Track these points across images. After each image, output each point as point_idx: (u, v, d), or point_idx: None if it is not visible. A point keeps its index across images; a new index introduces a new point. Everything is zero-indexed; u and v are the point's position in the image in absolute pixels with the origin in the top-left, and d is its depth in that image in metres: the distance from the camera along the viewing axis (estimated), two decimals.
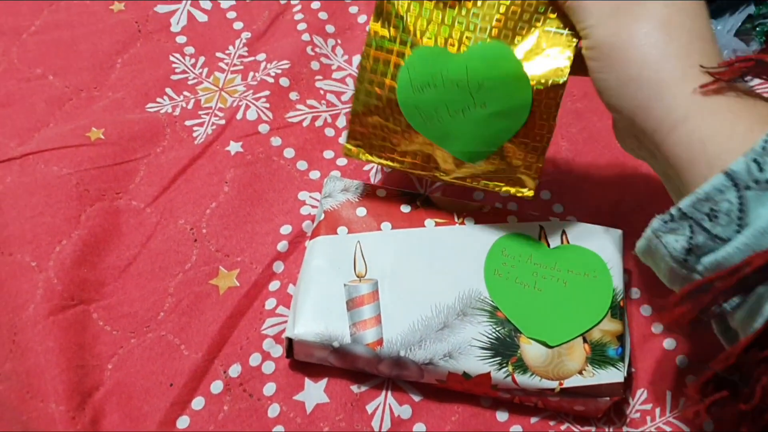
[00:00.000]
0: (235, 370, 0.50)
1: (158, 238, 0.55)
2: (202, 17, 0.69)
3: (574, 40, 0.46)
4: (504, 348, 0.48)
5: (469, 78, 0.46)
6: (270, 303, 0.53)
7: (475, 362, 0.47)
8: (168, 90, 0.63)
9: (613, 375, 0.47)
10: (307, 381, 0.50)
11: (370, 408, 0.49)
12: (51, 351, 0.48)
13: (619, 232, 0.53)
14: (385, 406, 0.49)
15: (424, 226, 0.52)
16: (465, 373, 0.47)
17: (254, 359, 0.50)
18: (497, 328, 0.48)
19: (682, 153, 0.38)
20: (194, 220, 0.56)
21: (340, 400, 0.49)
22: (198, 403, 0.49)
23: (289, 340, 0.48)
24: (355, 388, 0.49)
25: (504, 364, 0.47)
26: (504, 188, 0.50)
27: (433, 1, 0.48)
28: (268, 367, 0.50)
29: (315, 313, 0.48)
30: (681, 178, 0.39)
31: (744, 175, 0.34)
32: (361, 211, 0.53)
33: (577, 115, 0.65)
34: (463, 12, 0.47)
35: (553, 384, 0.47)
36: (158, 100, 0.63)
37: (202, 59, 0.66)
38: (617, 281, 0.51)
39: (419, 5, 0.48)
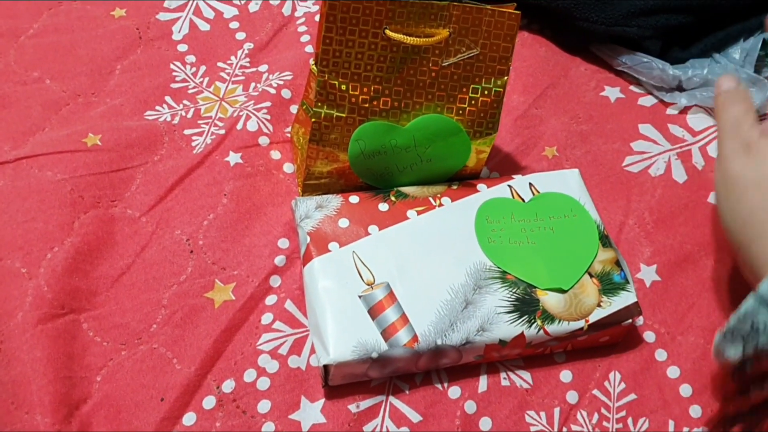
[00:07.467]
0: (228, 386, 0.48)
1: (153, 248, 0.54)
2: (204, 26, 0.68)
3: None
4: (526, 306, 0.49)
5: (417, 144, 0.53)
6: (266, 318, 0.51)
7: (507, 327, 0.48)
8: (167, 98, 0.62)
9: (627, 298, 0.51)
10: (304, 399, 0.48)
11: (367, 429, 0.47)
12: (38, 361, 0.47)
13: (577, 170, 0.57)
14: (382, 428, 0.48)
15: (407, 218, 0.53)
16: (501, 340, 0.48)
17: (249, 375, 0.49)
18: (513, 290, 0.50)
19: None
20: (191, 231, 0.55)
21: (337, 420, 0.47)
22: (189, 418, 0.47)
23: (326, 368, 0.47)
24: (353, 407, 0.48)
25: (532, 321, 0.49)
26: None
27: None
28: (263, 384, 0.49)
29: (342, 332, 0.47)
30: None
31: None
32: (344, 222, 0.52)
33: (582, 138, 0.64)
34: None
35: (580, 323, 0.49)
36: (157, 108, 0.62)
37: (203, 68, 0.65)
38: (594, 214, 0.54)
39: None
